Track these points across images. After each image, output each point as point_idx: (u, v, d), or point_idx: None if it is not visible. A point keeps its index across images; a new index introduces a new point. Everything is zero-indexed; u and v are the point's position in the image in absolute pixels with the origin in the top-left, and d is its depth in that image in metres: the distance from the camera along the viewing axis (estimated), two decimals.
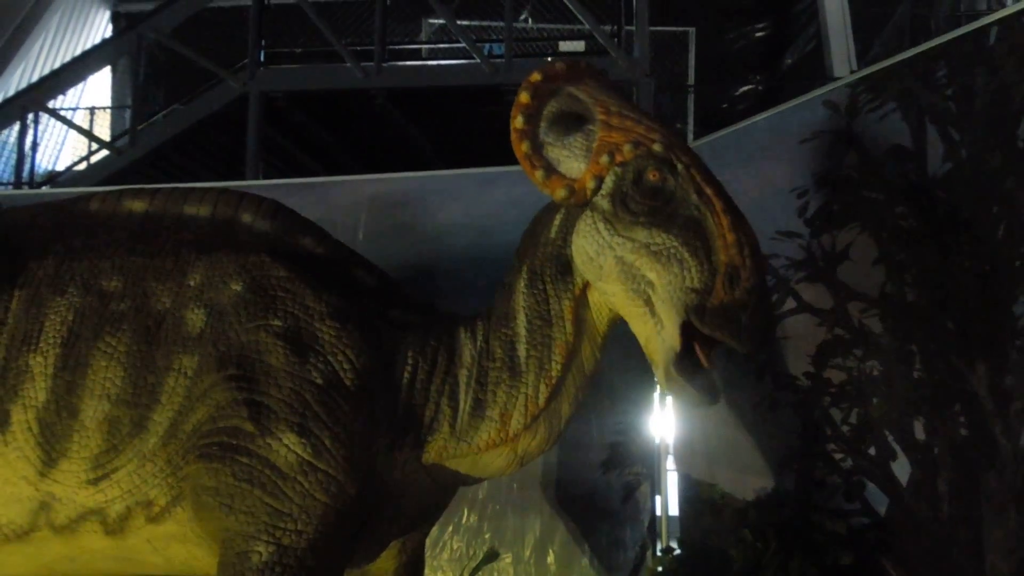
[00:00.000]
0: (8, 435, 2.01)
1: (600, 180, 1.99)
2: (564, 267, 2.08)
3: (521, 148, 2.03)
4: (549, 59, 7.84)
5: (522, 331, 2.09)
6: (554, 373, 2.07)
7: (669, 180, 1.93)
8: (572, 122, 2.05)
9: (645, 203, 1.93)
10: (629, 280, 1.94)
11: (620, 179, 1.97)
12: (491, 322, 2.14)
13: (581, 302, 2.09)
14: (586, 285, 2.08)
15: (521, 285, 2.11)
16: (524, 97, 2.02)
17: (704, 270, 1.85)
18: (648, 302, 1.93)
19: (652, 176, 1.94)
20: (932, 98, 2.86)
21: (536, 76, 2.03)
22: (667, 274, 1.88)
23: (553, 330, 2.07)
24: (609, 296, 2.03)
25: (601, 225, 1.98)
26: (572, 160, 2.03)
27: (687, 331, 1.88)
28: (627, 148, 1.97)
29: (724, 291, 1.83)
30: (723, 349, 1.93)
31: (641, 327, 1.98)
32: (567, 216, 2.08)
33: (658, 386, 1.96)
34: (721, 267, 1.85)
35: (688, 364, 1.90)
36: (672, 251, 1.89)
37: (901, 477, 2.80)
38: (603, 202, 1.99)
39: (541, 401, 2.07)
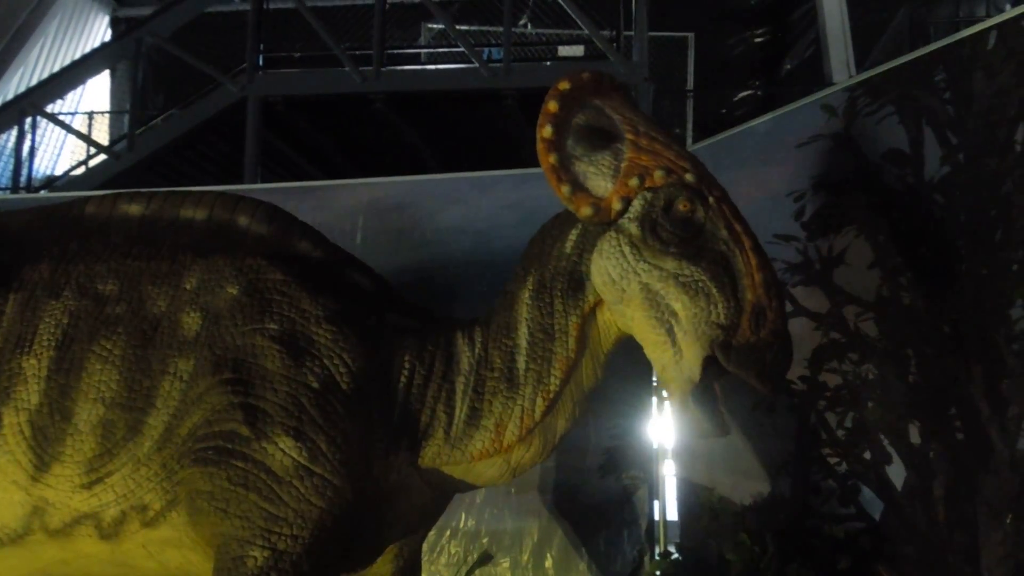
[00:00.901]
0: (0, 439, 2.00)
1: (627, 202, 1.98)
2: (577, 283, 2.06)
3: (549, 159, 1.99)
4: (548, 64, 7.86)
5: (523, 343, 2.08)
6: (552, 387, 2.06)
7: (699, 212, 1.94)
8: (598, 137, 2.03)
9: (675, 233, 1.92)
10: (653, 307, 1.93)
11: (649, 205, 1.95)
12: (491, 330, 2.13)
13: (589, 320, 2.08)
14: (597, 304, 2.07)
15: (526, 296, 2.10)
16: (552, 106, 1.98)
17: (731, 307, 1.86)
18: (670, 331, 1.92)
19: (683, 207, 1.93)
20: (930, 102, 2.86)
21: (564, 84, 2.00)
22: (693, 307, 1.88)
23: (555, 344, 2.06)
24: (627, 319, 2.01)
25: (627, 249, 1.97)
26: (599, 178, 2.00)
27: (708, 364, 1.88)
28: (659, 174, 1.95)
29: (751, 330, 1.85)
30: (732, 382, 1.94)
31: (659, 354, 1.98)
32: (584, 233, 2.07)
33: (671, 408, 1.97)
34: (748, 306, 1.86)
35: (705, 396, 1.90)
36: (700, 285, 1.89)
37: (897, 482, 2.80)
38: (631, 226, 1.97)
39: (537, 414, 2.06)
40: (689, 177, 1.95)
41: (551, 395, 2.06)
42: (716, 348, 1.85)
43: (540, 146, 1.99)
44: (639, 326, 1.99)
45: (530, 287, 2.10)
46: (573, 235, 2.09)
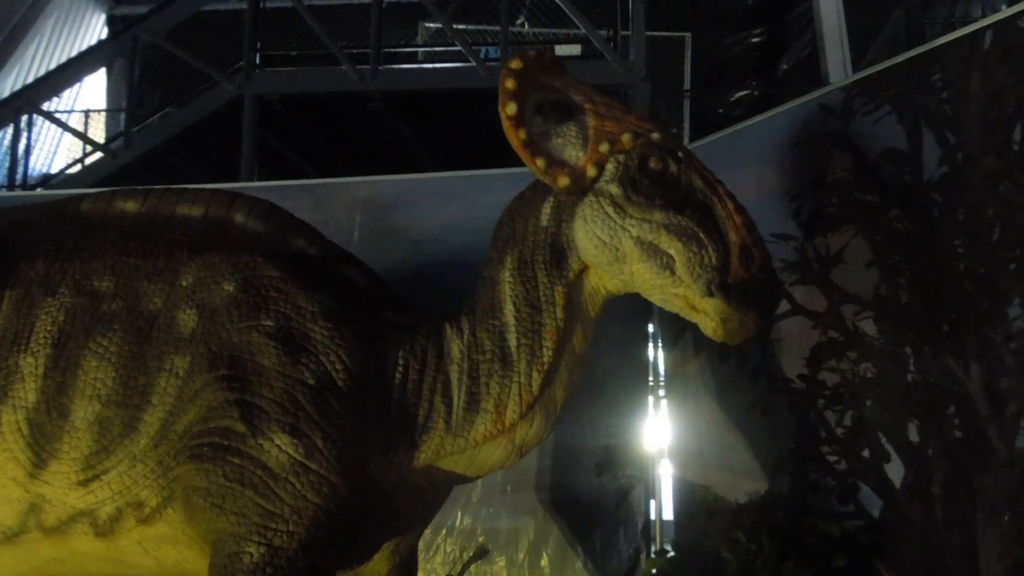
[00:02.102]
0: None
1: (601, 168, 2.02)
2: (559, 253, 2.09)
3: (519, 135, 2.00)
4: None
5: (511, 320, 2.09)
6: (546, 359, 2.07)
7: (672, 167, 2.01)
8: (559, 110, 2.06)
9: (655, 187, 2.00)
10: (653, 256, 2.00)
11: (624, 166, 2.02)
12: (476, 315, 2.14)
13: (575, 287, 2.11)
14: (582, 270, 2.10)
15: (507, 275, 2.11)
16: (511, 83, 2.00)
17: (720, 249, 1.97)
18: (673, 272, 2.00)
19: (656, 164, 2.01)
20: (927, 101, 2.87)
21: (516, 63, 2.03)
22: (687, 251, 1.97)
23: (543, 316, 2.08)
24: (626, 277, 2.06)
25: (611, 210, 2.01)
26: (568, 148, 2.05)
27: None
28: (626, 137, 2.01)
29: (742, 269, 1.96)
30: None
31: (672, 291, 2.03)
32: (558, 204, 2.10)
33: (708, 332, 2.04)
34: (735, 247, 1.97)
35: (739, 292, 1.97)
36: (690, 231, 1.98)
37: (895, 479, 2.80)
38: (611, 187, 2.02)
39: (535, 388, 2.07)
40: (655, 136, 2.03)
41: (546, 367, 2.07)
42: (715, 288, 1.95)
43: (506, 124, 2.01)
44: (642, 278, 2.04)
45: (510, 266, 2.11)
46: (547, 208, 2.12)
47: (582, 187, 2.04)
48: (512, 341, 2.08)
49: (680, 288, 2.00)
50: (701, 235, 1.97)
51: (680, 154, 2.03)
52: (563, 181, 2.02)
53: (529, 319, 2.08)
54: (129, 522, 2.01)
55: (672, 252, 1.98)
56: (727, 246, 1.97)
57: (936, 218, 2.80)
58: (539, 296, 2.08)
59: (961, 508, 2.59)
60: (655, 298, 2.09)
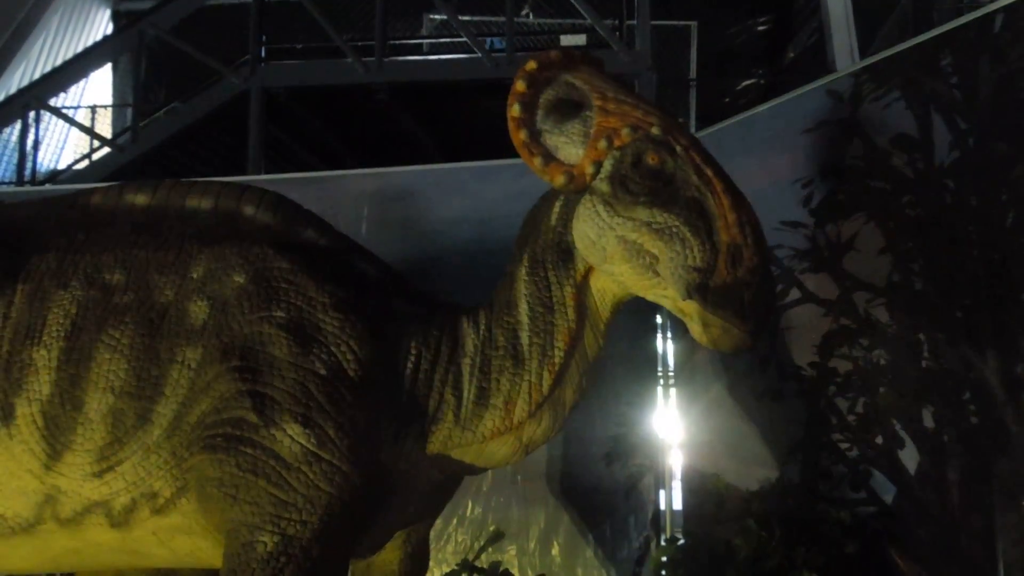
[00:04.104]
0: (13, 428, 2.01)
1: (599, 165, 2.00)
2: (565, 253, 2.08)
3: (519, 136, 2.02)
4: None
5: (524, 319, 2.09)
6: (557, 360, 2.07)
7: (668, 162, 1.95)
8: (569, 109, 2.05)
9: (645, 184, 1.94)
10: (635, 256, 1.95)
11: (618, 162, 1.97)
12: (493, 311, 2.14)
13: (583, 288, 2.10)
14: (588, 271, 2.08)
15: (522, 273, 2.11)
16: (520, 86, 2.02)
17: (706, 249, 1.87)
18: (656, 272, 1.94)
19: (651, 159, 1.95)
20: (937, 86, 2.85)
21: (532, 65, 2.03)
22: (669, 251, 1.90)
23: (555, 317, 2.07)
24: (618, 277, 2.02)
25: (601, 208, 1.98)
26: (570, 146, 2.02)
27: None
28: (625, 132, 1.97)
29: (727, 270, 1.86)
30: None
31: (661, 292, 1.98)
32: (566, 203, 2.08)
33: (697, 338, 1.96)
34: (723, 246, 1.87)
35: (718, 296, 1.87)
36: (674, 230, 1.90)
37: (909, 466, 2.79)
38: (602, 185, 1.99)
39: (545, 388, 2.07)
40: (655, 130, 1.97)
41: (557, 367, 2.07)
42: (693, 291, 1.86)
43: (510, 124, 2.02)
44: (630, 279, 2.00)
45: (525, 264, 2.11)
46: (557, 207, 2.11)
47: (581, 185, 2.01)
48: (525, 339, 2.08)
49: (667, 290, 1.95)
50: (687, 234, 1.88)
51: (679, 148, 1.96)
52: (559, 180, 2.01)
53: (542, 318, 2.07)
54: (143, 513, 2.02)
55: (655, 251, 1.92)
56: (715, 246, 1.87)
57: (948, 204, 2.78)
58: (551, 296, 2.08)
59: (977, 494, 2.58)
60: (648, 297, 2.05)
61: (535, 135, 2.03)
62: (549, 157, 2.02)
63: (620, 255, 1.97)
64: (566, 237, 2.08)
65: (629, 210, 1.94)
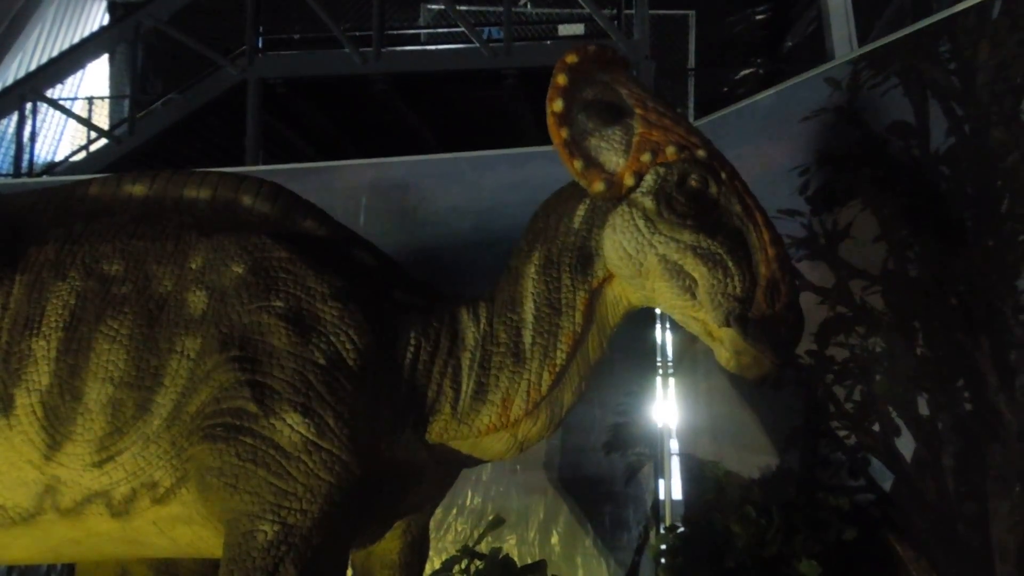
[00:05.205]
0: (12, 419, 2.01)
1: (640, 177, 1.98)
2: (586, 259, 2.07)
3: (561, 134, 1.99)
4: (549, 42, 7.82)
5: (529, 317, 2.08)
6: (559, 362, 2.07)
7: (712, 187, 1.96)
8: (606, 112, 2.02)
9: (690, 206, 1.95)
10: (675, 277, 1.96)
11: (663, 179, 1.97)
12: (495, 306, 2.13)
13: (596, 295, 2.09)
14: (606, 279, 2.08)
15: (532, 271, 2.10)
16: (562, 79, 1.98)
17: (746, 280, 1.91)
18: (693, 295, 1.95)
19: (695, 182, 1.96)
20: (934, 73, 2.84)
21: (572, 57, 2.00)
22: (711, 278, 1.92)
23: (562, 319, 2.07)
24: (647, 292, 2.03)
25: (641, 223, 1.98)
26: (610, 153, 2.01)
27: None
28: (671, 149, 1.96)
29: (766, 304, 1.89)
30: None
31: (692, 315, 1.99)
32: (593, 208, 2.07)
33: (724, 363, 1.99)
34: (763, 280, 1.91)
35: (757, 328, 1.90)
36: (717, 257, 1.92)
37: (905, 453, 2.81)
38: (645, 200, 1.98)
39: (543, 388, 2.07)
40: (701, 153, 1.97)
41: (557, 369, 2.07)
42: (733, 320, 1.89)
43: (551, 120, 1.98)
44: (663, 296, 2.01)
45: (536, 262, 2.09)
46: (581, 210, 2.09)
47: (617, 194, 2.00)
48: (527, 339, 2.08)
49: (700, 313, 1.96)
50: (729, 263, 1.91)
51: (723, 175, 1.97)
52: (598, 186, 1.99)
53: (548, 319, 2.07)
54: (144, 502, 2.03)
55: (696, 276, 1.93)
56: (755, 278, 1.91)
57: (944, 191, 2.79)
58: (560, 298, 2.07)
59: (972, 481, 2.60)
60: (675, 317, 2.06)
61: (577, 135, 2.00)
62: (590, 160, 2.00)
63: (658, 273, 1.97)
64: (589, 242, 2.06)
65: (674, 230, 1.95)
